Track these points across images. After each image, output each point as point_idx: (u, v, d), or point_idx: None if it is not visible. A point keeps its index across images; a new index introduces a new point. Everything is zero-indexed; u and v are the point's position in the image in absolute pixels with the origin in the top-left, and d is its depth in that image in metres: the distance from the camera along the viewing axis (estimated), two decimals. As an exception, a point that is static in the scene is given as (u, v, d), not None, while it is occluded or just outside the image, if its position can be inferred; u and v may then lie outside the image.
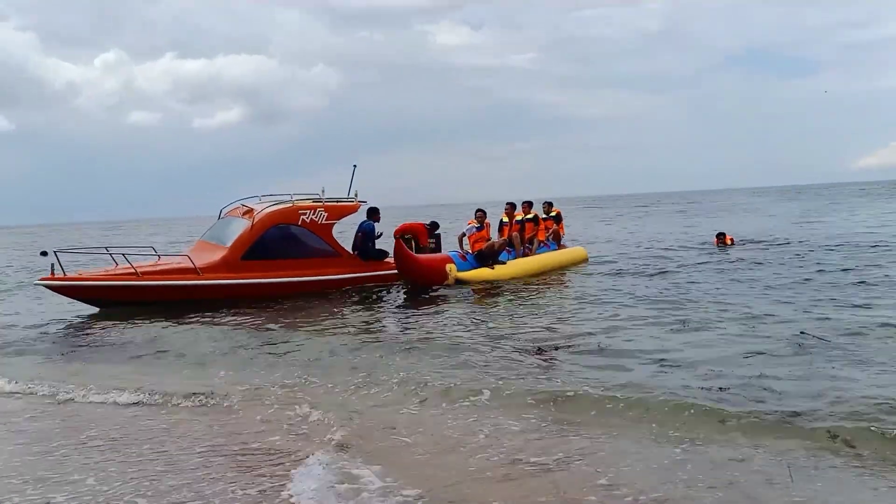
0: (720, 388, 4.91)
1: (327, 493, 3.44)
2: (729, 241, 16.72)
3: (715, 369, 5.46)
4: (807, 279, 10.41)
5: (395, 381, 5.51)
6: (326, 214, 12.12)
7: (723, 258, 14.12)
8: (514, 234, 13.05)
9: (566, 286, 11.58)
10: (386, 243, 12.52)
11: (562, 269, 13.42)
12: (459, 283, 11.65)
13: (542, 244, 13.82)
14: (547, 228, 14.25)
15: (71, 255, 11.63)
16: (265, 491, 3.52)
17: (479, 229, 12.85)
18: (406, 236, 13.11)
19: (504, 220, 13.45)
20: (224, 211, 12.84)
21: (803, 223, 25.18)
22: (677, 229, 25.26)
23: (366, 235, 12.33)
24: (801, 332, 6.55)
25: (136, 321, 9.37)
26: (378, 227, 12.61)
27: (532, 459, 3.81)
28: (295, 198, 12.27)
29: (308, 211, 12.05)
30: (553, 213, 14.74)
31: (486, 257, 12.34)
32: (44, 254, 30.85)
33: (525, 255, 13.11)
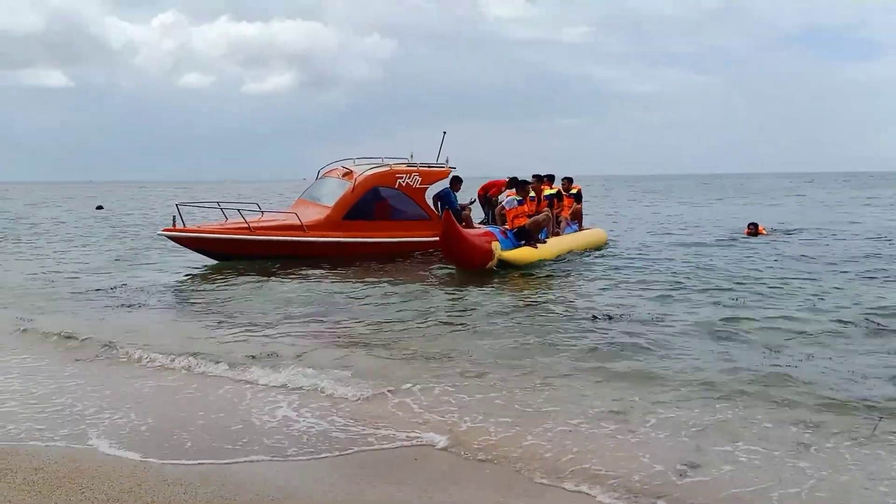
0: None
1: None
2: (762, 232, 16.14)
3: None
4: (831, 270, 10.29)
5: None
6: (420, 179, 12.74)
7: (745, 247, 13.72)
8: (546, 210, 11.85)
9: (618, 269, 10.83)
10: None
11: (588, 250, 12.73)
12: (502, 263, 10.69)
13: (567, 223, 13.21)
14: (568, 207, 13.54)
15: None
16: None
17: (520, 203, 11.46)
18: (489, 196, 13.30)
19: (531, 194, 11.97)
20: (322, 171, 13.56)
21: (848, 212, 24.50)
22: (717, 216, 25.20)
23: (443, 202, 12.75)
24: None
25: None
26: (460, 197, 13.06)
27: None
28: (386, 161, 12.89)
29: (404, 175, 12.65)
30: (574, 191, 13.93)
31: (528, 234, 11.24)
32: (99, 208, 32.99)
33: (555, 234, 12.25)
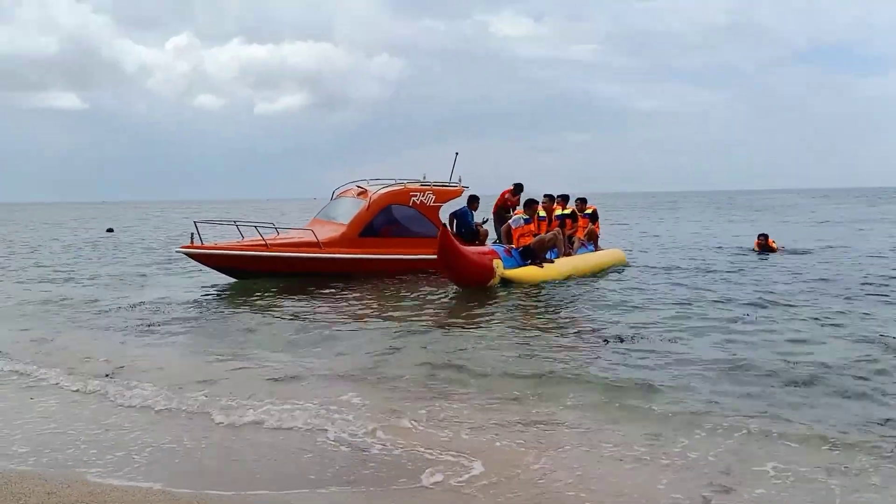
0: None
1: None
2: (772, 245, 15.66)
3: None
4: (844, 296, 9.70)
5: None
6: (434, 197, 12.96)
7: (759, 264, 13.65)
8: (557, 230, 11.74)
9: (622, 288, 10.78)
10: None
11: (603, 270, 12.54)
12: (504, 282, 10.56)
13: (581, 244, 13.16)
14: (583, 227, 13.48)
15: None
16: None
17: (527, 221, 11.32)
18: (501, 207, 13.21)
19: (541, 214, 11.86)
20: (337, 192, 13.79)
21: (863, 230, 24.10)
22: (725, 230, 25.14)
23: (460, 221, 12.90)
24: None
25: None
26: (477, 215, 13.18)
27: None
28: (398, 181, 13.05)
29: (418, 193, 12.88)
30: (588, 211, 13.87)
31: (534, 254, 11.11)
32: (110, 231, 33.06)
33: (567, 255, 12.09)
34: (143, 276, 13.97)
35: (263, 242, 11.80)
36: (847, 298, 9.51)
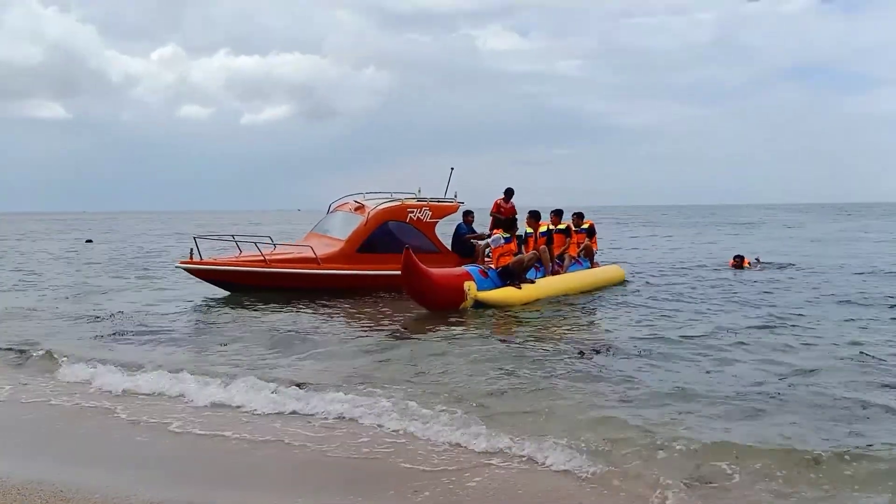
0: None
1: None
2: (746, 265, 16.07)
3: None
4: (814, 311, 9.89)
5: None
6: (431, 213, 12.98)
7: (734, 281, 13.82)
8: (542, 247, 11.44)
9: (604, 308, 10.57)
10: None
11: (597, 289, 12.11)
12: (479, 305, 10.18)
13: (573, 261, 12.60)
14: (578, 243, 13.01)
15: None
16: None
17: (507, 241, 10.86)
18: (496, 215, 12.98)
19: (528, 230, 11.73)
20: (333, 205, 13.78)
21: (839, 245, 24.73)
22: (704, 247, 25.38)
23: (456, 236, 13.12)
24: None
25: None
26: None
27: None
28: (395, 196, 13.12)
29: (415, 209, 12.90)
30: (585, 226, 13.43)
31: (513, 274, 10.62)
32: (89, 241, 32.67)
33: (555, 272, 11.71)
34: (103, 289, 13.82)
35: (262, 258, 11.80)
36: (825, 310, 9.86)
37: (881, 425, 4.93)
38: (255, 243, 12.27)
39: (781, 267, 16.31)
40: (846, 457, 4.24)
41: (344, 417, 5.32)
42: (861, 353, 7.05)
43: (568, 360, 6.96)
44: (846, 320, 9.14)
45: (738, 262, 16.21)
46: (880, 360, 6.80)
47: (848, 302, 10.78)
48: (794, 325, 8.81)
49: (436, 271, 10.15)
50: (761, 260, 16.87)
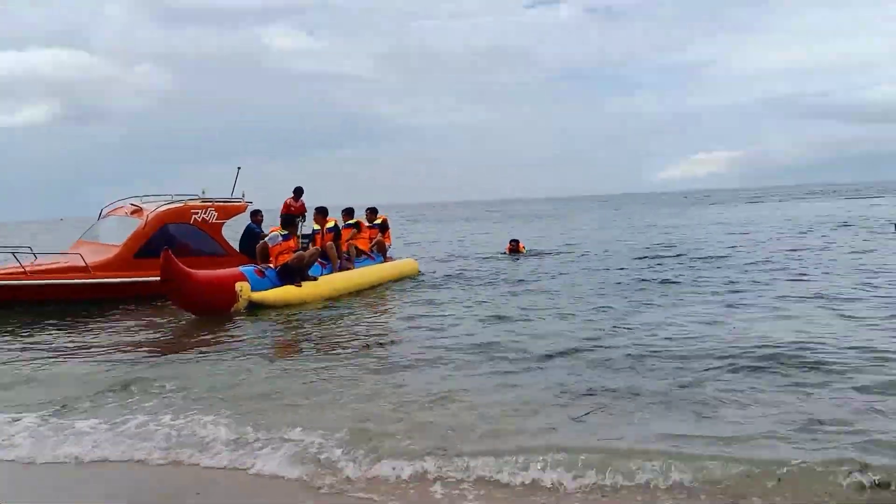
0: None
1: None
2: (522, 249, 17.97)
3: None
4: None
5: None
6: (217, 214, 12.55)
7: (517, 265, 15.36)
8: (329, 243, 11.40)
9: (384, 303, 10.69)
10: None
11: (387, 283, 12.22)
12: (254, 305, 9.75)
13: (365, 256, 12.74)
14: (370, 238, 13.19)
15: None
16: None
17: (286, 238, 10.63)
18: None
19: (315, 227, 11.64)
20: (105, 210, 12.85)
21: (599, 231, 28.60)
22: (490, 236, 27.50)
23: (246, 236, 12.73)
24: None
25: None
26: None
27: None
28: (176, 197, 12.55)
29: (199, 210, 12.41)
30: (378, 221, 13.61)
31: (293, 272, 10.30)
32: None
33: (343, 269, 11.69)
34: None
35: (22, 269, 10.81)
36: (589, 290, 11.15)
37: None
38: (13, 254, 11.16)
39: (546, 254, 18.30)
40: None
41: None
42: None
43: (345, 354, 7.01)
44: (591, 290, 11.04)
45: (514, 246, 18.08)
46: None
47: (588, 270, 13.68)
48: (530, 291, 10.96)
49: (201, 273, 9.62)
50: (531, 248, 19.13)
